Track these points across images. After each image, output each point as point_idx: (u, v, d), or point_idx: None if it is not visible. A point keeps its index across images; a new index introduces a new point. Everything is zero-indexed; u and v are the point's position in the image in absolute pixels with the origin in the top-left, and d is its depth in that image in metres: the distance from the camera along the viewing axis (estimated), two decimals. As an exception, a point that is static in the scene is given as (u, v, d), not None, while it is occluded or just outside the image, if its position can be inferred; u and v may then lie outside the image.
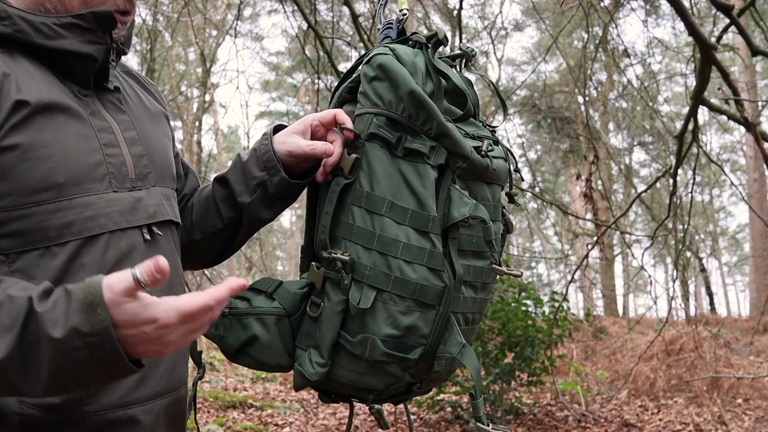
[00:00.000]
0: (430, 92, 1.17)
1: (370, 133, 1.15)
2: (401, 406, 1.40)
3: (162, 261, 0.85)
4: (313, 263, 1.19)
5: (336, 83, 1.31)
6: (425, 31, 1.25)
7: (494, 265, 1.20)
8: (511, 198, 1.31)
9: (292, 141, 1.25)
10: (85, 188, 1.03)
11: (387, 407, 6.23)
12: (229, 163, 1.36)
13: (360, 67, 1.22)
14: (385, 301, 1.13)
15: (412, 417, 6.06)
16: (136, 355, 0.89)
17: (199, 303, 0.88)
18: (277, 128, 1.31)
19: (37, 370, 0.86)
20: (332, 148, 1.20)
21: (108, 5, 1.09)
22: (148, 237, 1.12)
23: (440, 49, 1.24)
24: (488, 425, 1.14)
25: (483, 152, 1.18)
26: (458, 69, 1.29)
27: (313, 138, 1.26)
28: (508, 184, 1.30)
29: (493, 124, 1.33)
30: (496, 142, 1.28)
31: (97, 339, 0.85)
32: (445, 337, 1.16)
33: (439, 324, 1.15)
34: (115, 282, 0.85)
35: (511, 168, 1.30)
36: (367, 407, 1.22)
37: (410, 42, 1.23)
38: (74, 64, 1.07)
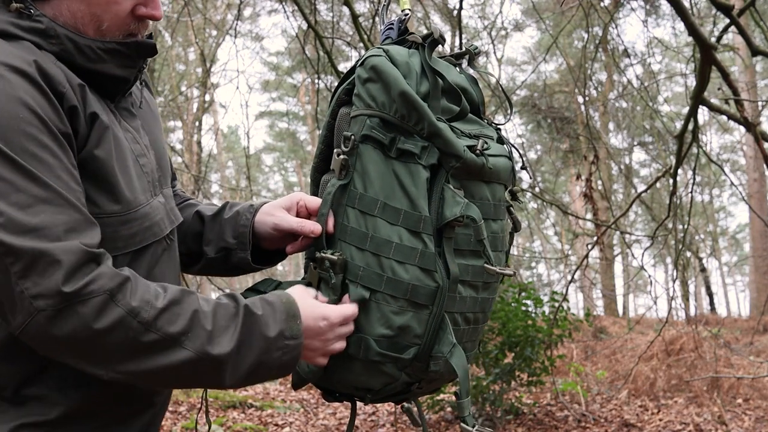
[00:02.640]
0: (426, 92, 1.17)
1: (364, 134, 1.16)
2: (401, 406, 1.40)
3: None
4: (310, 263, 1.20)
5: (336, 83, 1.31)
6: (425, 31, 1.25)
7: (486, 265, 1.20)
8: (514, 196, 1.30)
9: (280, 215, 1.30)
10: (140, 200, 1.09)
11: (388, 407, 6.23)
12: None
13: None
14: (378, 302, 1.14)
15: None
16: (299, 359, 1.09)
17: (351, 310, 1.13)
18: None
19: (241, 364, 1.02)
20: (320, 228, 1.22)
21: (123, 31, 1.09)
22: (168, 242, 1.17)
23: (441, 48, 1.24)
24: (473, 426, 1.15)
25: (477, 151, 1.18)
26: (462, 67, 1.29)
27: (296, 214, 1.31)
28: (511, 183, 1.30)
29: (498, 122, 1.32)
30: (501, 140, 1.28)
31: (293, 342, 1.06)
32: (439, 337, 1.16)
33: (433, 324, 1.15)
34: (306, 295, 1.13)
35: (516, 166, 1.30)
36: (370, 406, 1.23)
37: (407, 42, 1.23)
38: (107, 83, 1.10)
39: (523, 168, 1.32)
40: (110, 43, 1.07)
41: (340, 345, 1.14)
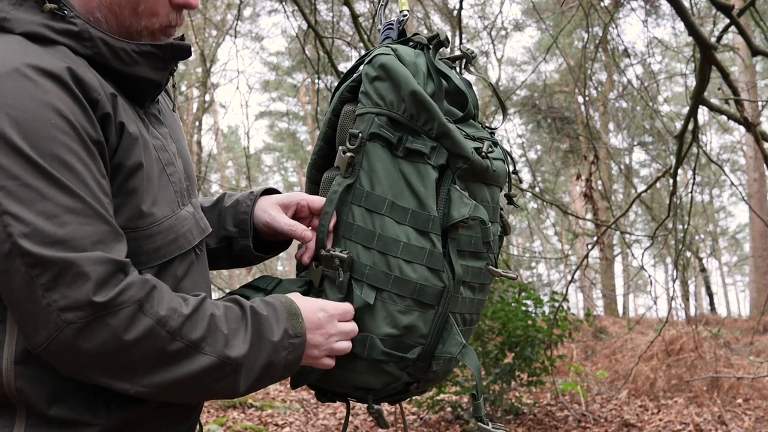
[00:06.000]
0: (431, 93, 1.17)
1: (372, 132, 1.15)
2: (402, 405, 1.39)
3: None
4: (312, 261, 1.19)
5: (336, 83, 1.31)
6: (425, 32, 1.25)
7: (491, 267, 1.20)
8: (510, 200, 1.31)
9: (274, 214, 1.27)
10: (164, 212, 1.05)
11: (387, 407, 6.23)
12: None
13: (361, 67, 1.22)
14: (384, 301, 1.14)
15: (413, 417, 6.06)
16: (303, 363, 1.10)
17: (349, 306, 1.14)
18: (268, 191, 1.33)
19: (253, 367, 1.01)
20: (310, 234, 1.21)
21: (160, 20, 1.07)
22: (198, 252, 1.14)
23: (441, 50, 1.24)
24: (488, 425, 1.15)
25: (483, 153, 1.19)
26: (458, 70, 1.29)
27: (296, 215, 1.28)
28: (507, 186, 1.31)
29: (492, 126, 1.33)
30: (495, 144, 1.28)
31: (297, 341, 1.05)
32: (443, 337, 1.17)
33: (438, 324, 1.16)
34: (301, 297, 1.13)
35: (510, 170, 1.31)
36: (366, 407, 1.23)
37: (411, 43, 1.23)
38: (139, 87, 1.07)
39: (514, 172, 1.32)
40: (145, 45, 1.04)
41: (345, 345, 1.13)
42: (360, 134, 1.16)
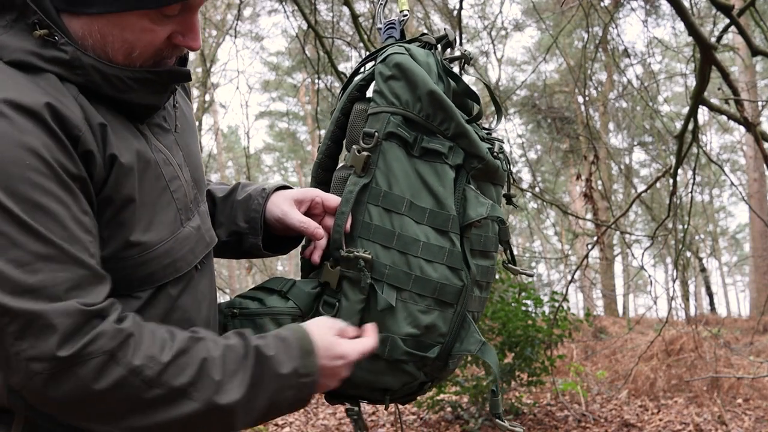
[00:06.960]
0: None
1: (389, 132, 1.15)
2: (400, 406, 1.40)
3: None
4: (326, 262, 1.18)
5: (336, 83, 1.31)
6: (424, 31, 1.25)
7: (510, 264, 1.21)
8: (509, 199, 1.32)
9: (287, 209, 1.25)
10: (163, 235, 1.03)
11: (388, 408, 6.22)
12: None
13: (369, 65, 1.23)
14: (405, 300, 1.14)
15: (413, 417, 6.06)
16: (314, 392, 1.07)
17: (371, 344, 1.12)
18: (281, 187, 1.31)
19: (252, 408, 0.99)
20: (322, 232, 1.20)
21: (156, 56, 1.02)
22: (199, 267, 1.12)
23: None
24: (505, 422, 1.16)
25: (495, 153, 1.19)
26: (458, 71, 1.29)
27: (309, 211, 1.26)
28: (506, 186, 1.31)
29: (487, 126, 1.34)
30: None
31: (307, 380, 1.03)
32: (461, 336, 1.17)
33: (456, 323, 1.16)
34: (326, 332, 1.08)
35: (509, 169, 1.31)
36: (370, 406, 1.23)
37: (419, 42, 1.23)
38: (137, 110, 1.04)
39: (509, 171, 1.34)
40: (140, 71, 1.00)
41: (347, 372, 1.12)
42: (376, 133, 1.15)
